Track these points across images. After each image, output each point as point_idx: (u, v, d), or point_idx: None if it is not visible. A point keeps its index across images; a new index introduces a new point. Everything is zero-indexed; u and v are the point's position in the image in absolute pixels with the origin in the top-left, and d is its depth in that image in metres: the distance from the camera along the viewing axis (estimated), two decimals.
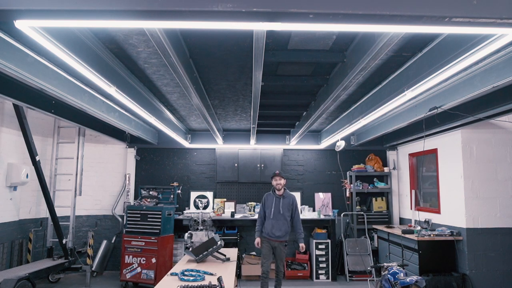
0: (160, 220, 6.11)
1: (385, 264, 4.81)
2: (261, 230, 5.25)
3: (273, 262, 5.27)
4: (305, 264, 6.89)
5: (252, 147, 7.51)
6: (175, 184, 7.30)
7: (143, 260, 5.94)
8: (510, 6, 1.52)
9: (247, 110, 5.65)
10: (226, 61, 3.62)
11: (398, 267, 4.59)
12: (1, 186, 5.61)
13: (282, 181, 5.19)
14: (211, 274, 3.21)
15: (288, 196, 5.25)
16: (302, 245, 5.18)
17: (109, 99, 4.76)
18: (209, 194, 7.45)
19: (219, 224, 7.17)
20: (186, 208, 7.40)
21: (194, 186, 7.62)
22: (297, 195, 7.52)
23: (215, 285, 2.82)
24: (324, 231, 6.91)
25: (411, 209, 6.67)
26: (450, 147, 5.51)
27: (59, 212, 6.24)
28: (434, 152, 5.97)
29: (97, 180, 7.31)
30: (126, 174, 7.40)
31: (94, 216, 7.25)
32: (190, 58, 3.52)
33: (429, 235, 5.25)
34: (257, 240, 5.24)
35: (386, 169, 7.48)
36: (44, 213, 6.46)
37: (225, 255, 3.96)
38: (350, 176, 7.40)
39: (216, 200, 7.42)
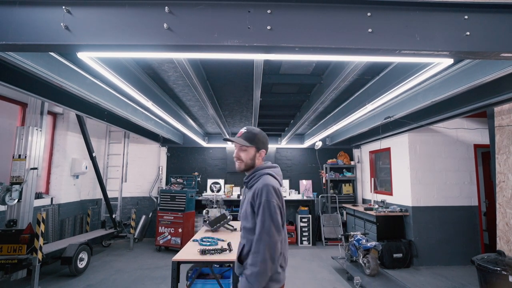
0: (185, 200, 6.09)
1: (351, 233, 4.82)
2: None
3: None
4: (292, 233, 6.87)
5: None
6: (196, 173, 7.28)
7: (172, 230, 5.93)
8: (444, 41, 1.52)
9: (249, 119, 5.64)
10: (234, 82, 3.61)
11: (361, 235, 4.59)
12: (67, 175, 5.60)
13: (246, 153, 1.68)
14: (223, 240, 3.21)
15: (255, 185, 1.61)
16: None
17: (147, 110, 4.75)
18: (221, 181, 7.45)
19: (229, 203, 7.16)
20: (204, 191, 7.38)
21: (210, 175, 7.60)
22: (286, 183, 7.50)
23: (226, 248, 2.82)
24: (306, 208, 6.89)
25: (371, 192, 6.66)
26: (400, 146, 5.51)
27: (110, 194, 6.23)
28: (388, 150, 5.96)
29: (138, 171, 7.29)
30: (159, 166, 7.38)
31: (136, 197, 7.23)
32: (207, 80, 3.52)
33: (384, 211, 5.25)
34: None
35: (352, 163, 7.46)
36: (99, 195, 6.45)
37: (233, 226, 3.95)
38: (326, 168, 7.39)
39: (226, 185, 7.39)
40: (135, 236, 6.41)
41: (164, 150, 7.44)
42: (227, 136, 6.28)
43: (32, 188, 3.90)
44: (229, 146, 7.46)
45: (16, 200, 3.71)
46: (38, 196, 4.91)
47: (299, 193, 7.43)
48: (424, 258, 4.97)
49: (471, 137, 5.31)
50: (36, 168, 3.94)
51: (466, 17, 1.52)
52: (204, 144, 7.33)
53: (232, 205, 7.17)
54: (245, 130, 1.72)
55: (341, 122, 4.59)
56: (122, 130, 5.30)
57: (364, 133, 5.86)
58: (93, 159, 5.54)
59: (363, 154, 7.41)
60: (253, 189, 1.60)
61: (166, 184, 7.26)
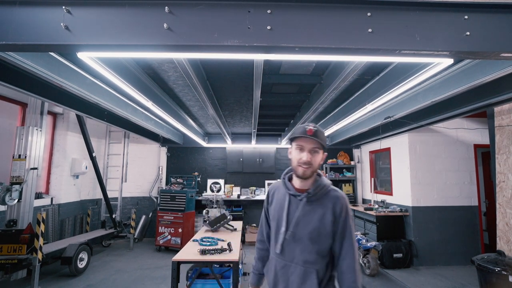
0: (185, 200, 6.09)
1: None
2: (259, 271, 1.54)
3: None
4: None
5: (253, 146, 7.49)
6: (196, 173, 7.29)
7: (172, 230, 5.93)
8: (444, 41, 1.52)
9: (249, 119, 5.64)
10: (234, 82, 3.61)
11: (361, 235, 4.59)
12: (67, 175, 5.60)
13: (317, 156, 1.33)
14: (223, 240, 3.21)
15: (326, 198, 1.33)
16: None
17: (147, 110, 4.75)
18: (221, 181, 7.44)
19: (229, 203, 7.16)
20: (204, 191, 7.38)
21: (210, 175, 7.60)
22: None
23: (226, 248, 2.82)
24: None
25: (371, 192, 6.66)
26: (400, 146, 5.51)
27: (110, 194, 6.24)
28: (388, 150, 5.96)
29: (138, 171, 7.29)
30: (159, 166, 7.39)
31: (136, 197, 7.24)
32: (207, 80, 3.52)
33: (384, 211, 5.25)
34: None
35: (352, 163, 7.46)
36: (99, 195, 6.46)
37: (233, 226, 3.95)
38: (326, 168, 7.39)
39: (226, 185, 7.40)
40: (135, 236, 6.41)
41: (164, 150, 7.45)
42: (227, 136, 6.27)
43: (32, 188, 3.90)
44: (229, 146, 7.46)
45: (16, 200, 3.71)
46: (38, 196, 4.91)
47: None
48: (424, 258, 4.96)
49: (471, 137, 5.31)
50: (36, 168, 3.94)
51: (466, 17, 1.52)
52: (204, 144, 7.34)
53: (232, 205, 7.18)
54: (315, 128, 1.31)
55: (341, 122, 4.59)
56: (122, 130, 5.30)
57: (364, 133, 5.86)
58: (93, 159, 5.54)
59: (363, 154, 7.41)
60: (329, 204, 1.31)
61: (166, 184, 7.26)
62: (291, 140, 1.36)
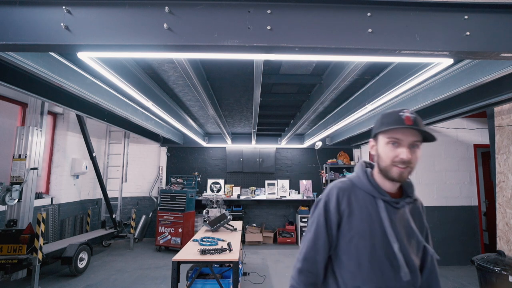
0: (185, 200, 6.10)
1: None
2: None
3: None
4: (292, 233, 6.88)
5: (253, 146, 7.49)
6: (196, 173, 7.29)
7: (172, 230, 5.93)
8: (444, 41, 1.52)
9: (249, 119, 5.64)
10: (234, 82, 3.61)
11: None
12: (67, 175, 5.60)
13: (418, 153, 1.03)
14: (223, 240, 3.21)
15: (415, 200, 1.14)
16: None
17: (147, 110, 4.75)
18: (221, 181, 7.44)
19: (229, 203, 7.17)
20: (204, 191, 7.38)
21: (210, 175, 7.60)
22: (286, 183, 7.49)
23: (226, 248, 2.82)
24: (306, 208, 6.90)
25: None
26: None
27: (110, 194, 6.24)
28: None
29: (138, 171, 7.30)
30: (159, 166, 7.39)
31: (136, 197, 7.24)
32: (207, 80, 3.52)
33: None
34: None
35: (352, 163, 7.46)
36: (99, 195, 6.46)
37: (233, 226, 3.95)
38: (326, 168, 7.39)
39: (226, 185, 7.40)
40: (135, 236, 6.41)
41: (164, 150, 7.45)
42: (227, 136, 6.26)
43: (32, 188, 3.90)
44: (229, 146, 7.45)
45: (16, 200, 3.71)
46: (38, 196, 4.90)
47: (299, 193, 7.43)
48: None
49: (471, 137, 5.31)
50: (36, 168, 3.94)
51: (466, 17, 1.52)
52: (204, 144, 7.34)
53: (232, 205, 7.18)
54: (413, 115, 1.00)
55: (341, 122, 4.59)
56: (122, 130, 5.30)
57: (364, 133, 5.85)
58: (93, 159, 5.54)
59: (363, 154, 7.40)
60: (418, 208, 1.12)
61: (166, 184, 7.26)
62: (379, 131, 1.04)
